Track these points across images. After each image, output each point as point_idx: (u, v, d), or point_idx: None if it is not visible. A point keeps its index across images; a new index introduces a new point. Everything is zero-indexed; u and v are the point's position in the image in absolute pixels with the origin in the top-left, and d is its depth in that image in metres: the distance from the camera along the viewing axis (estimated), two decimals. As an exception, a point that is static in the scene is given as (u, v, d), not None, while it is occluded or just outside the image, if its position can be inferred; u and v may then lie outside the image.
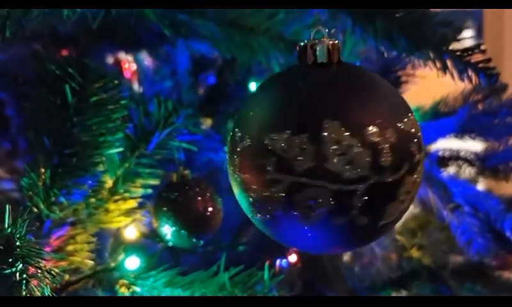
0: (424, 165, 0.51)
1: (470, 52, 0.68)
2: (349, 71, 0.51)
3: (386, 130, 0.47)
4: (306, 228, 0.48)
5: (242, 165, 0.49)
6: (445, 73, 0.70)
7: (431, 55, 0.69)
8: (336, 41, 0.50)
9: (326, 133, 0.46)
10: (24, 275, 0.51)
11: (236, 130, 0.50)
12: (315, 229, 0.48)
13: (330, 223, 0.47)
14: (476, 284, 1.17)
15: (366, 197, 0.47)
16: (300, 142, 0.46)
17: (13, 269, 0.51)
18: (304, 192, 0.47)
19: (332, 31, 0.52)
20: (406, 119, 0.49)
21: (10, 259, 0.51)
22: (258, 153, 0.48)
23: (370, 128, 0.46)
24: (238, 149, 0.49)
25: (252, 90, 0.99)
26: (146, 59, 1.13)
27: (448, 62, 0.69)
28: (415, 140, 0.49)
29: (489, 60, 0.68)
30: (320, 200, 0.46)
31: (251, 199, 0.49)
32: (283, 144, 0.47)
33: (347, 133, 0.46)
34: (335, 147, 0.46)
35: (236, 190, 0.51)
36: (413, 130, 0.49)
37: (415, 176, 0.49)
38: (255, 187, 0.48)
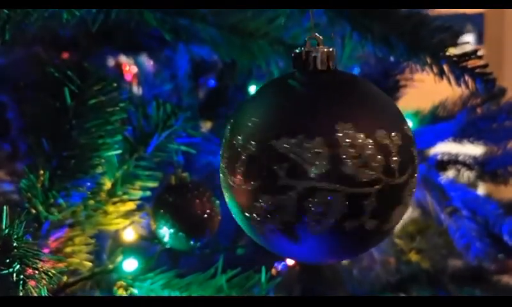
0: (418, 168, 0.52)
1: (467, 58, 0.68)
2: (345, 78, 0.51)
3: (393, 133, 0.47)
4: (315, 235, 0.47)
5: (247, 173, 0.48)
6: (442, 78, 0.70)
7: (428, 60, 0.70)
8: (331, 49, 0.51)
9: (340, 135, 0.46)
10: (21, 276, 0.51)
11: (238, 137, 0.48)
12: (325, 236, 0.47)
13: (341, 229, 0.47)
14: (475, 288, 1.17)
15: (378, 200, 0.46)
16: (314, 146, 0.46)
17: (10, 270, 0.51)
18: (318, 196, 0.46)
19: (331, 35, 0.52)
20: (406, 124, 0.50)
21: (7, 260, 0.51)
22: (267, 159, 0.46)
23: (379, 130, 0.47)
24: (242, 157, 0.48)
25: (251, 94, 0.99)
26: (147, 63, 1.13)
27: (445, 68, 0.70)
28: (414, 142, 0.50)
29: (486, 66, 0.69)
30: (334, 204, 0.46)
31: (255, 209, 0.48)
32: (295, 149, 0.46)
33: (361, 136, 0.46)
34: (350, 150, 0.46)
35: (235, 202, 0.49)
36: (411, 134, 0.50)
37: (416, 178, 0.50)
38: (263, 195, 0.47)
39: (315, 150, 0.45)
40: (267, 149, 0.46)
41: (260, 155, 0.47)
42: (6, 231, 0.52)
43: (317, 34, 0.51)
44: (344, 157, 0.46)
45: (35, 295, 0.52)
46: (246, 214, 0.49)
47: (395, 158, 0.47)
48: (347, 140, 0.46)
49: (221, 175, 0.51)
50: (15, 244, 0.52)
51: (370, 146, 0.46)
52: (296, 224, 0.47)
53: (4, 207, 0.53)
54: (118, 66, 1.12)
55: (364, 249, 0.52)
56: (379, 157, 0.46)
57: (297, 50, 0.51)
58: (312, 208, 0.46)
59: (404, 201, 0.49)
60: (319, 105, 0.47)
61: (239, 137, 0.48)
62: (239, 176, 0.48)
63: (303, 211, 0.46)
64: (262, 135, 0.47)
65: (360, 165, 0.46)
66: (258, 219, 0.48)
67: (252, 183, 0.47)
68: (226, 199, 0.52)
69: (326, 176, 0.45)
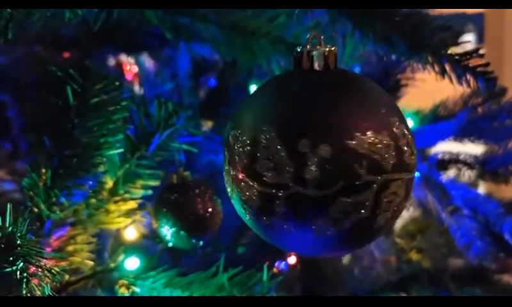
0: None
1: (468, 56, 0.69)
2: (348, 76, 0.51)
3: (405, 127, 0.49)
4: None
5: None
6: (444, 77, 0.70)
7: (430, 59, 0.70)
8: (333, 48, 0.51)
9: (396, 129, 0.48)
10: (25, 274, 0.51)
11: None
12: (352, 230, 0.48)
13: (395, 214, 0.49)
14: (475, 287, 1.18)
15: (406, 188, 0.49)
16: (383, 139, 0.47)
17: (14, 268, 0.51)
18: (390, 188, 0.47)
19: (332, 34, 0.52)
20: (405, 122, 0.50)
21: (11, 258, 0.51)
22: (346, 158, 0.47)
23: (397, 124, 0.48)
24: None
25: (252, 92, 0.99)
26: (148, 62, 1.13)
27: (447, 67, 0.70)
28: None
29: (487, 64, 0.69)
30: (399, 193, 0.48)
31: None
32: (367, 145, 0.46)
33: (405, 129, 0.48)
34: (403, 141, 0.48)
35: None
36: None
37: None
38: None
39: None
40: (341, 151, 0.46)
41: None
42: (10, 229, 0.52)
43: (318, 33, 0.51)
44: (404, 147, 0.48)
45: (38, 293, 0.52)
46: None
47: (407, 153, 0.48)
48: (400, 132, 0.47)
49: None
50: (18, 242, 0.52)
51: (408, 138, 0.48)
52: (369, 223, 0.48)
53: (8, 205, 0.53)
54: (119, 65, 1.12)
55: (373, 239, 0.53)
56: (392, 150, 0.47)
57: (298, 49, 0.51)
58: (385, 201, 0.47)
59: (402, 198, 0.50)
60: (318, 104, 0.47)
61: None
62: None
63: (377, 206, 0.47)
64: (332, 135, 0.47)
65: (410, 154, 0.48)
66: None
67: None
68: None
69: (396, 167, 0.47)
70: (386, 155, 0.47)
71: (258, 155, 0.47)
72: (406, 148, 0.48)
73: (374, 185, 0.46)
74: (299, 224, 0.47)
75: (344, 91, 0.49)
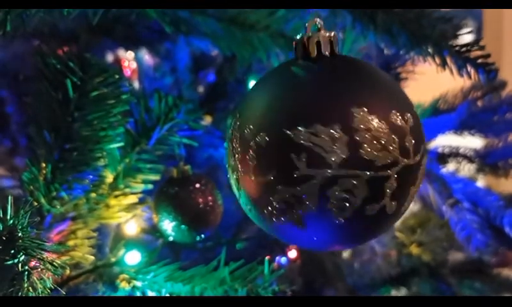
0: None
1: (469, 48, 0.68)
2: (351, 62, 0.51)
3: (406, 114, 0.47)
4: (338, 222, 0.46)
5: (260, 167, 0.46)
6: (445, 68, 0.70)
7: (431, 51, 0.70)
8: (333, 33, 0.50)
9: (356, 122, 0.45)
10: (26, 267, 0.51)
11: (246, 131, 0.47)
12: (348, 223, 0.46)
13: (363, 214, 0.46)
14: (475, 281, 1.18)
15: (397, 182, 0.46)
16: (331, 133, 0.45)
17: (15, 260, 0.51)
18: (339, 184, 0.45)
19: (332, 33, 0.52)
20: (414, 105, 0.50)
21: (12, 251, 0.51)
22: (283, 150, 0.45)
23: (394, 112, 0.47)
24: (251, 152, 0.46)
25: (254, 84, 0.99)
26: (147, 56, 1.13)
27: (448, 58, 0.69)
28: (422, 125, 0.50)
29: (488, 56, 0.69)
30: (355, 190, 0.45)
31: (274, 202, 0.46)
32: (312, 138, 0.45)
33: (376, 120, 0.46)
34: (367, 134, 0.45)
35: (247, 197, 0.48)
36: (417, 115, 0.50)
37: (426, 158, 0.50)
38: (280, 187, 0.46)
39: (334, 137, 0.45)
40: (282, 140, 0.45)
41: (275, 145, 0.46)
42: (11, 221, 0.52)
43: (318, 18, 0.50)
44: (361, 142, 0.45)
45: (40, 285, 0.51)
46: (258, 206, 0.48)
47: (409, 139, 0.47)
48: (363, 124, 0.45)
49: (228, 161, 0.50)
50: (19, 234, 0.51)
51: (385, 129, 0.46)
52: (317, 214, 0.46)
53: (9, 197, 0.53)
54: (117, 61, 1.12)
55: (382, 231, 0.52)
56: (394, 138, 0.46)
57: (298, 36, 0.50)
58: (335, 196, 0.45)
59: (417, 182, 0.49)
60: (329, 91, 0.47)
61: (251, 127, 0.47)
62: (250, 168, 0.47)
63: (325, 200, 0.45)
64: (275, 126, 0.46)
65: (378, 149, 0.46)
66: (272, 210, 0.47)
67: (266, 177, 0.46)
68: (235, 191, 0.51)
69: (346, 163, 0.45)
70: (331, 149, 0.45)
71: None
72: (374, 142, 0.45)
73: (314, 181, 0.45)
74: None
75: (351, 76, 0.48)
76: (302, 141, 0.45)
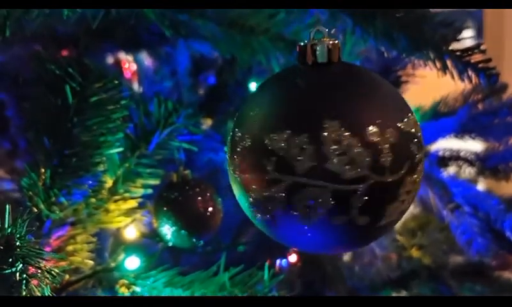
0: (424, 164, 0.51)
1: (469, 52, 0.68)
2: (349, 71, 0.51)
3: (387, 130, 0.47)
4: (306, 227, 0.48)
5: (242, 165, 0.49)
6: (445, 73, 0.70)
7: (431, 55, 0.69)
8: (336, 41, 0.50)
9: (326, 133, 0.46)
10: (24, 275, 0.51)
11: (236, 130, 0.50)
12: (315, 230, 0.48)
13: (330, 223, 0.47)
14: (476, 284, 1.17)
15: (366, 197, 0.46)
16: (300, 142, 0.46)
17: (13, 269, 0.51)
18: (304, 192, 0.46)
19: (332, 31, 0.52)
20: (406, 119, 0.48)
21: (10, 259, 0.51)
22: (259, 153, 0.47)
23: (370, 128, 0.46)
24: (238, 149, 0.49)
25: (252, 90, 0.99)
26: (147, 59, 1.13)
27: (448, 62, 0.69)
28: (415, 140, 0.49)
29: (489, 60, 0.68)
30: (320, 200, 0.46)
31: (251, 199, 0.49)
32: (283, 144, 0.46)
33: (347, 133, 0.46)
34: (335, 147, 0.46)
35: (236, 190, 0.51)
36: (413, 130, 0.49)
37: (415, 176, 0.49)
38: (254, 187, 0.48)
39: (302, 146, 0.46)
40: (259, 143, 0.47)
41: (253, 149, 0.48)
42: (9, 230, 0.52)
43: (321, 27, 0.50)
44: (329, 154, 0.46)
45: (38, 294, 0.51)
46: (243, 201, 0.50)
47: (386, 156, 0.46)
48: (333, 136, 0.45)
49: (227, 166, 0.52)
50: (17, 243, 0.51)
51: (356, 144, 0.46)
52: (285, 217, 0.48)
53: (7, 206, 0.53)
54: (118, 63, 1.12)
55: (358, 244, 0.53)
56: (366, 154, 0.46)
57: (301, 43, 0.50)
58: (300, 203, 0.47)
59: (398, 199, 0.48)
60: (311, 100, 0.47)
61: (237, 130, 0.50)
62: (237, 168, 0.49)
63: (291, 205, 0.47)
64: (256, 129, 0.48)
65: (345, 163, 0.46)
66: (252, 209, 0.49)
67: (246, 175, 0.48)
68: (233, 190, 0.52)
69: (312, 173, 0.46)
70: (298, 157, 0.46)
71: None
72: (341, 157, 0.45)
73: (280, 185, 0.46)
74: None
75: (349, 84, 0.48)
76: (273, 147, 0.47)
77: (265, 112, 0.48)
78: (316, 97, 0.47)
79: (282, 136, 0.46)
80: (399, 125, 0.48)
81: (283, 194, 0.47)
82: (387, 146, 0.46)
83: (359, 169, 0.46)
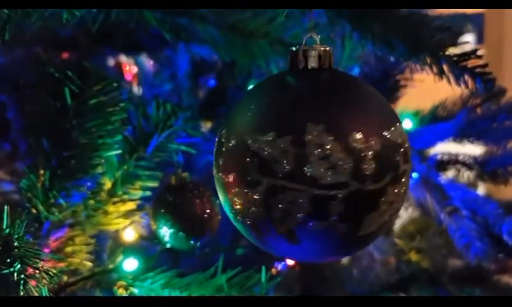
0: (409, 176, 0.50)
1: (466, 57, 0.68)
2: (338, 77, 0.51)
3: (371, 138, 0.46)
4: (280, 231, 0.47)
5: (225, 166, 0.49)
6: (442, 78, 0.70)
7: (428, 60, 0.70)
8: (328, 48, 0.50)
9: (309, 137, 0.45)
10: (22, 276, 0.51)
11: (223, 131, 0.50)
12: (291, 234, 0.47)
13: (308, 229, 0.46)
14: (475, 288, 1.18)
15: (345, 205, 0.46)
16: (283, 144, 0.46)
17: (11, 269, 0.51)
18: (282, 195, 0.46)
19: (331, 35, 0.52)
20: (392, 129, 0.48)
21: (8, 260, 0.51)
22: (241, 153, 0.47)
23: (354, 134, 0.46)
24: (223, 149, 0.49)
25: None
26: (147, 62, 1.13)
27: (445, 67, 0.69)
28: (401, 150, 0.48)
29: (485, 65, 0.69)
30: (297, 204, 0.46)
31: (232, 202, 0.49)
32: (265, 146, 0.46)
33: (331, 138, 0.45)
34: (317, 151, 0.45)
35: (220, 193, 0.51)
36: (399, 140, 0.48)
37: (399, 187, 0.48)
38: (236, 189, 0.48)
39: (284, 149, 0.45)
40: (242, 144, 0.47)
41: (236, 150, 0.48)
42: (7, 230, 0.52)
43: (314, 33, 0.51)
44: (311, 158, 0.45)
45: (36, 294, 0.52)
46: (228, 203, 0.50)
47: (369, 164, 0.46)
48: (316, 141, 0.45)
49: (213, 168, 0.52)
50: (16, 244, 0.52)
51: (339, 149, 0.45)
52: (262, 220, 0.47)
53: (5, 207, 0.53)
54: (118, 65, 1.12)
55: (337, 253, 0.52)
56: (348, 161, 0.45)
57: (293, 49, 0.51)
58: (277, 206, 0.46)
59: (379, 209, 0.47)
60: (297, 104, 0.47)
61: (223, 131, 0.50)
62: (220, 169, 0.49)
63: (268, 207, 0.46)
64: (240, 131, 0.48)
65: (326, 168, 0.45)
66: (233, 211, 0.49)
67: (229, 176, 0.48)
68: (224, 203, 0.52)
69: (292, 176, 0.45)
70: (280, 159, 0.46)
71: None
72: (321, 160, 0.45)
73: (260, 186, 0.46)
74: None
75: (337, 91, 0.49)
76: (256, 148, 0.46)
77: (252, 114, 0.48)
78: (303, 101, 0.47)
79: (266, 137, 0.46)
80: (385, 134, 0.47)
81: (262, 196, 0.46)
82: (371, 154, 0.46)
83: (339, 175, 0.45)
